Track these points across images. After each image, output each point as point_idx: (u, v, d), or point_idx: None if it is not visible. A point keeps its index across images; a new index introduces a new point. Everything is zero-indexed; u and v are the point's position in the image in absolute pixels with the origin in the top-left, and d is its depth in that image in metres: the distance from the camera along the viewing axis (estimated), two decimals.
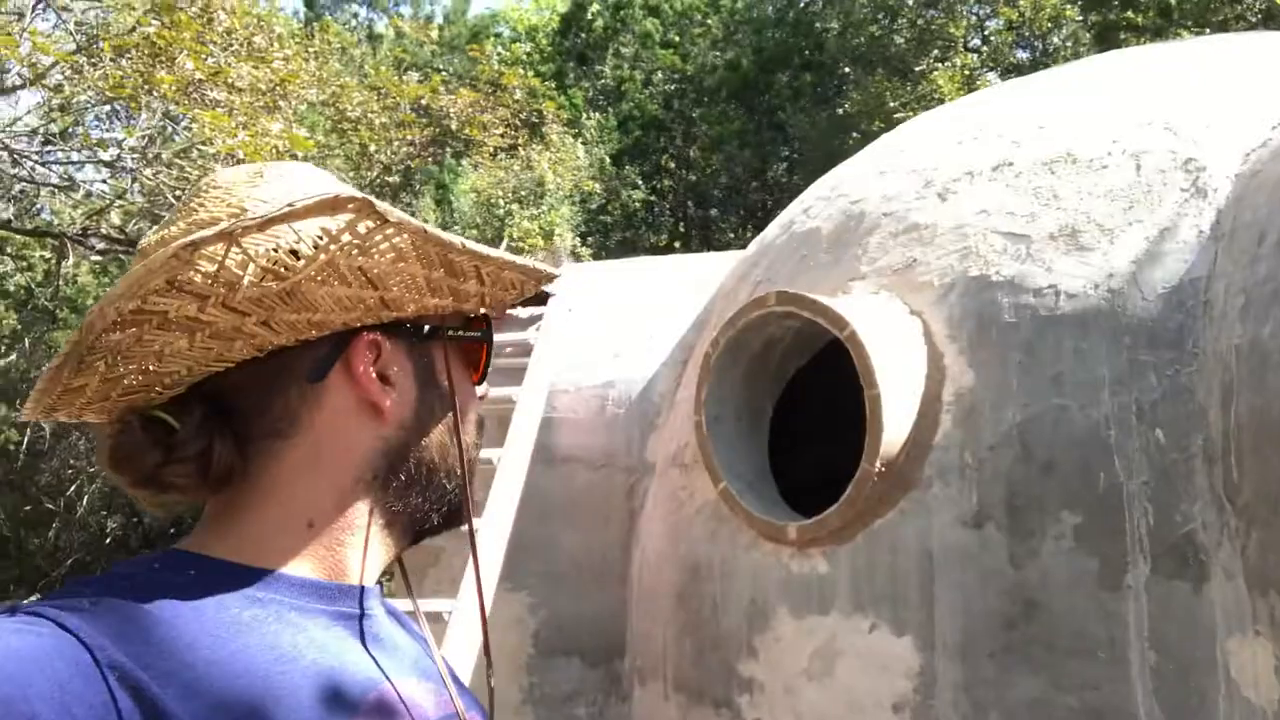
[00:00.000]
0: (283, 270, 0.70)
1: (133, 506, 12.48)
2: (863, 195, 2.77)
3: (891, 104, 9.17)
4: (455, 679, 0.89)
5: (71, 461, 12.41)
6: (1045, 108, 2.65)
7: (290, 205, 0.68)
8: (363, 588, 0.81)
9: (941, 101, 8.51)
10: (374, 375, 0.79)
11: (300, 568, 0.77)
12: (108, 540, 12.25)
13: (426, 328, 0.83)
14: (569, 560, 3.20)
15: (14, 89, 7.34)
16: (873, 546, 2.21)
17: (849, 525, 2.23)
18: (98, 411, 0.78)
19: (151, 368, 0.74)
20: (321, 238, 0.71)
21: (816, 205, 2.98)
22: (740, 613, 2.48)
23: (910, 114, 8.70)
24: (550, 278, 0.87)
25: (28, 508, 12.61)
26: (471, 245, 0.78)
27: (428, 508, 0.84)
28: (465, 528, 0.94)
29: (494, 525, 2.87)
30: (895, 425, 2.17)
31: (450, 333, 0.85)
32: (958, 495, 2.09)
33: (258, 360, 0.75)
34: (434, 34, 12.85)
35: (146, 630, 0.67)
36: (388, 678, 0.76)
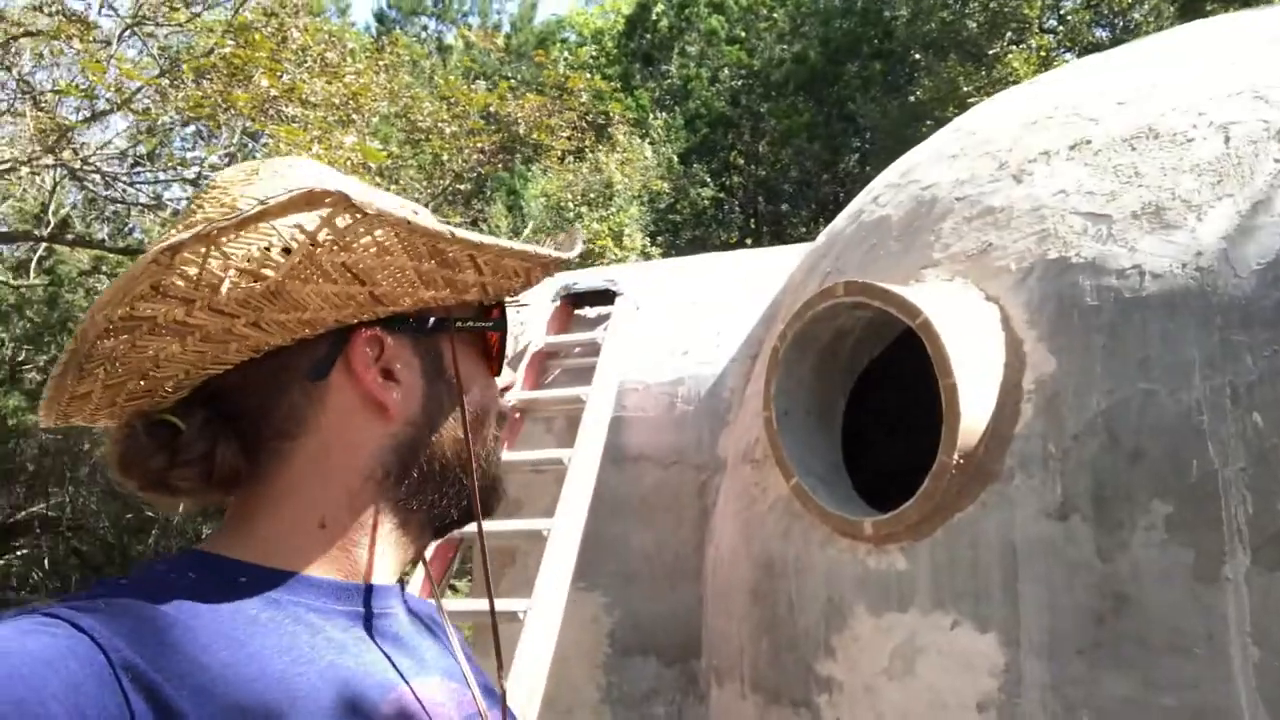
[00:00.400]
0: (262, 271, 0.70)
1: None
2: (934, 180, 2.69)
3: (965, 89, 8.96)
4: (483, 680, 0.88)
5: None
6: (1124, 83, 2.54)
7: (263, 203, 0.67)
8: (381, 586, 0.80)
9: (1017, 84, 8.27)
10: (376, 372, 0.78)
11: (316, 568, 0.76)
12: None
13: (431, 320, 0.81)
14: (642, 559, 3.19)
15: (103, 114, 7.64)
16: (952, 541, 2.14)
17: (927, 519, 2.16)
18: (108, 416, 0.78)
19: (150, 372, 0.74)
20: (299, 235, 0.70)
21: (886, 193, 2.91)
22: (817, 611, 2.43)
23: (983, 98, 8.49)
24: (555, 262, 0.83)
25: (129, 515, 13.13)
26: (462, 234, 0.75)
27: (446, 503, 0.83)
28: (480, 524, 0.91)
29: (566, 525, 2.87)
30: (973, 415, 2.10)
31: (459, 324, 0.83)
32: (1041, 486, 2.01)
33: (256, 361, 0.75)
34: (500, 42, 12.99)
35: (162, 632, 0.67)
36: (406, 679, 0.76)
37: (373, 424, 0.79)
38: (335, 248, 0.71)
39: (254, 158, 8.67)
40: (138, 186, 9.31)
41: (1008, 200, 2.40)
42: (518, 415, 3.37)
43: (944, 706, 2.10)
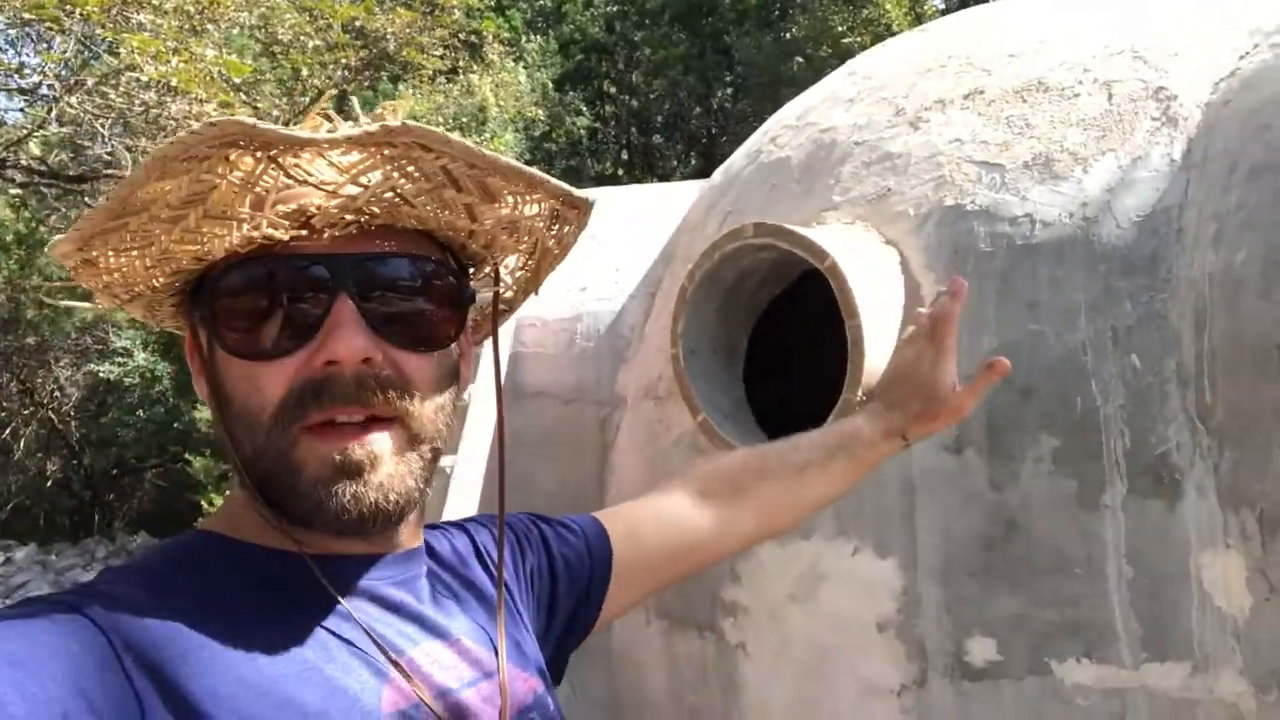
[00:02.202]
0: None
1: (72, 448, 12.21)
2: (832, 124, 2.76)
3: (839, 28, 9.10)
4: (517, 636, 0.88)
5: (4, 404, 12.04)
6: (1014, 36, 2.65)
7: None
8: (344, 556, 0.76)
9: (888, 27, 8.48)
10: (194, 359, 0.77)
11: (290, 544, 0.73)
12: (48, 483, 11.99)
13: (186, 296, 0.77)
14: (543, 494, 3.22)
15: None
16: None
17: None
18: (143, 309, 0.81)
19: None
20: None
21: (784, 134, 2.96)
22: None
23: (857, 39, 8.67)
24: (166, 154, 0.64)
25: None
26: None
27: (287, 510, 0.72)
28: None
29: (469, 462, 2.87)
30: (875, 355, 2.20)
31: (194, 294, 0.75)
32: None
33: None
34: None
35: (165, 613, 0.66)
36: (402, 649, 0.75)
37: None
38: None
39: (92, 66, 8.02)
40: None
41: (905, 147, 2.49)
42: None
43: (845, 629, 2.24)
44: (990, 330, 2.14)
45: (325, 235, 0.68)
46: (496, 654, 0.81)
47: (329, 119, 0.73)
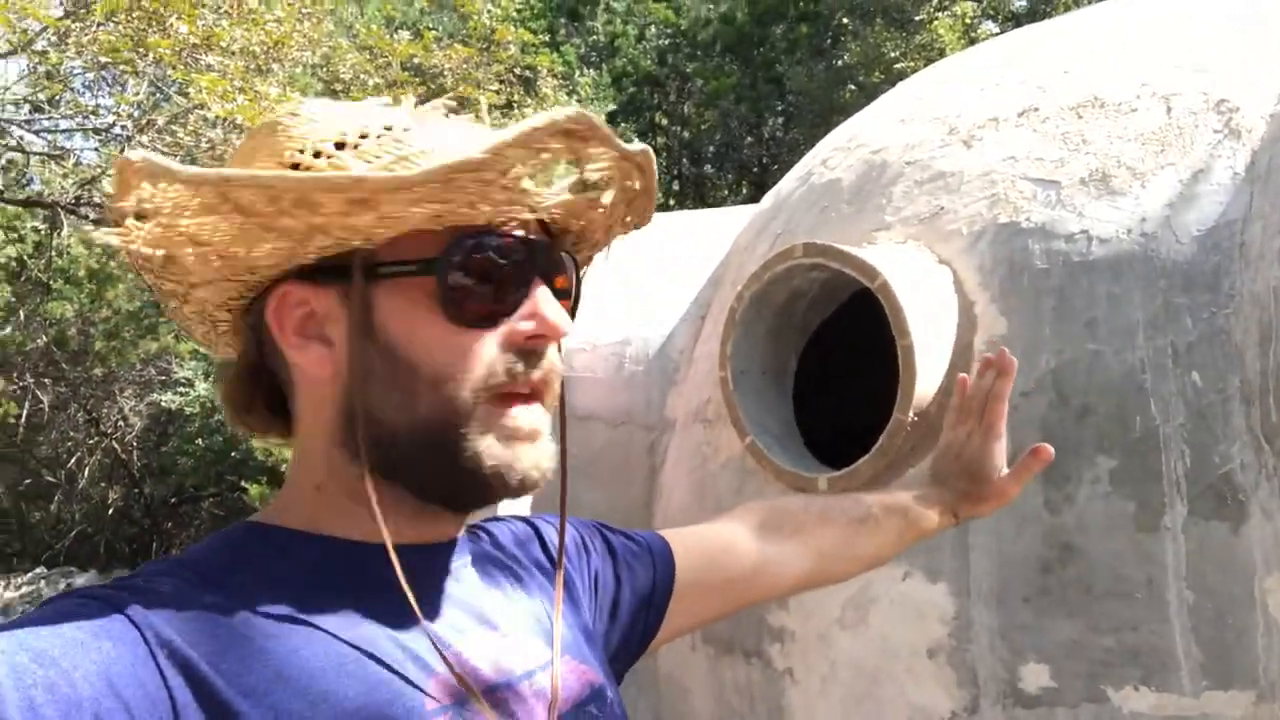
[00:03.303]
0: (124, 242, 0.70)
1: (134, 476, 12.51)
2: (884, 144, 2.74)
3: (891, 54, 9.08)
4: (579, 623, 0.88)
5: (70, 434, 12.41)
6: (1068, 52, 2.62)
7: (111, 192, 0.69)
8: (408, 546, 0.74)
9: (942, 51, 8.44)
10: (290, 332, 0.73)
11: (333, 529, 0.74)
12: (110, 511, 12.29)
13: (358, 267, 0.71)
14: (592, 517, 3.21)
15: (2, 56, 7.22)
16: None
17: (881, 475, 2.23)
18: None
19: (191, 329, 0.83)
20: (147, 205, 0.69)
21: (835, 156, 2.95)
22: None
23: (910, 64, 8.63)
24: (468, 166, 0.67)
25: (28, 481, 12.64)
26: (233, 174, 0.67)
27: (420, 480, 0.73)
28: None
29: None
30: (927, 375, 2.17)
31: (382, 269, 0.71)
32: None
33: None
34: None
35: (199, 608, 0.66)
36: (450, 641, 0.74)
37: (311, 386, 0.75)
38: (162, 217, 0.68)
39: (162, 107, 8.30)
40: (39, 134, 8.84)
41: (958, 165, 2.46)
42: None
43: (896, 654, 2.19)
44: (1047, 349, 2.09)
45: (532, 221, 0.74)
46: (553, 647, 0.80)
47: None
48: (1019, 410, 2.09)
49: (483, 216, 0.70)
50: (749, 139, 14.57)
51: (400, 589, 0.70)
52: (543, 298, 0.73)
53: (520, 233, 0.73)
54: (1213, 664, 1.78)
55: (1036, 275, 2.14)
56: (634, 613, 0.98)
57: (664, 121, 14.73)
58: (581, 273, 0.85)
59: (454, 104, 0.80)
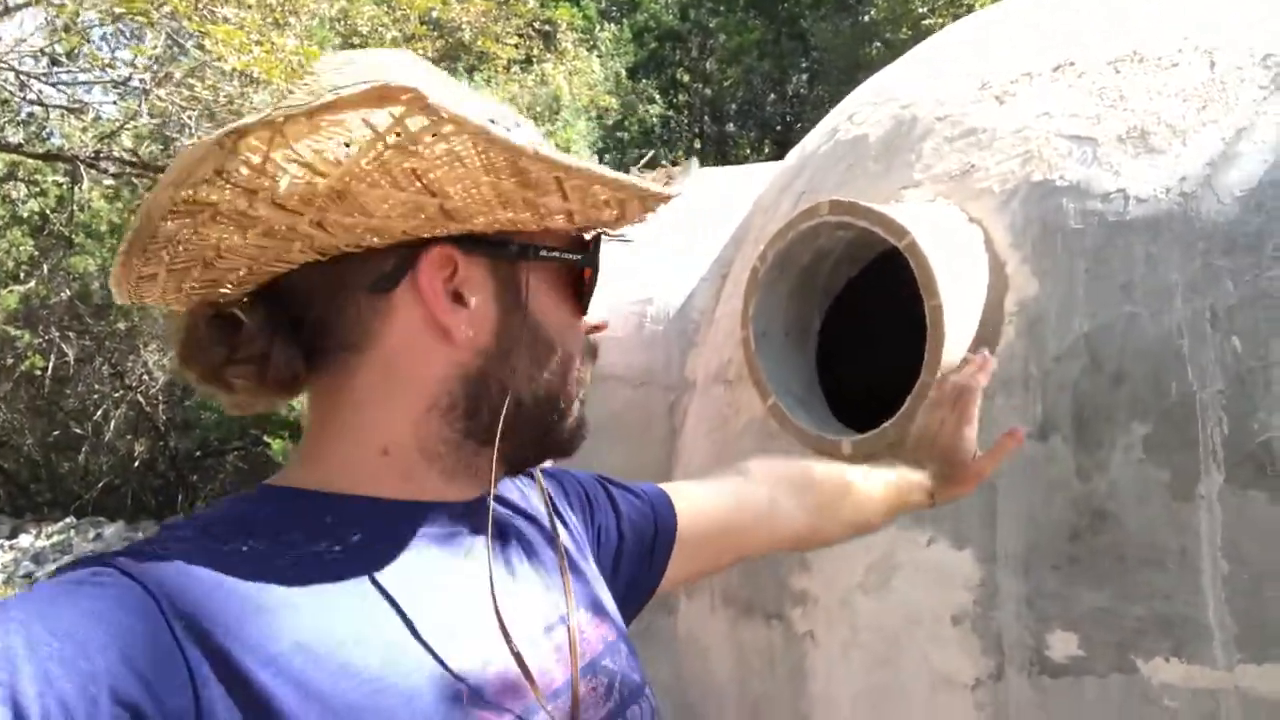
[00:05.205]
0: (325, 168, 0.65)
1: (159, 429, 12.64)
2: (913, 99, 2.67)
3: (919, 9, 8.87)
4: (589, 592, 0.88)
5: (97, 386, 12.52)
6: (1106, 6, 2.53)
7: (336, 93, 0.62)
8: (453, 504, 0.77)
9: (970, 7, 8.23)
10: (443, 293, 0.73)
11: (386, 493, 0.74)
12: (136, 464, 12.43)
13: (515, 246, 0.75)
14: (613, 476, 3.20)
15: (17, 8, 7.17)
16: None
17: (906, 439, 2.19)
18: (176, 301, 0.76)
19: (213, 262, 0.71)
20: (367, 134, 0.64)
21: (862, 111, 2.88)
22: None
23: (938, 20, 8.43)
24: (654, 196, 0.76)
25: (56, 433, 12.79)
26: (548, 152, 0.68)
27: (522, 443, 0.78)
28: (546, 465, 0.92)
29: None
30: (956, 337, 2.11)
31: (542, 252, 0.76)
32: (1022, 406, 2.05)
33: (322, 265, 0.71)
34: None
35: (217, 576, 0.64)
36: (470, 603, 0.74)
37: (438, 349, 0.74)
38: (405, 151, 0.65)
39: (180, 61, 8.24)
40: (58, 88, 8.80)
41: (991, 121, 2.39)
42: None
43: (919, 620, 2.16)
44: (1081, 311, 2.04)
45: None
46: (566, 602, 0.81)
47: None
48: (1051, 375, 2.04)
49: (607, 220, 0.79)
50: (772, 96, 14.34)
51: (402, 548, 0.73)
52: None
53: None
54: (1247, 636, 1.74)
55: (1071, 235, 2.08)
56: (637, 563, 1.01)
57: (685, 78, 14.51)
58: None
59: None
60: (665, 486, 1.09)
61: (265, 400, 0.75)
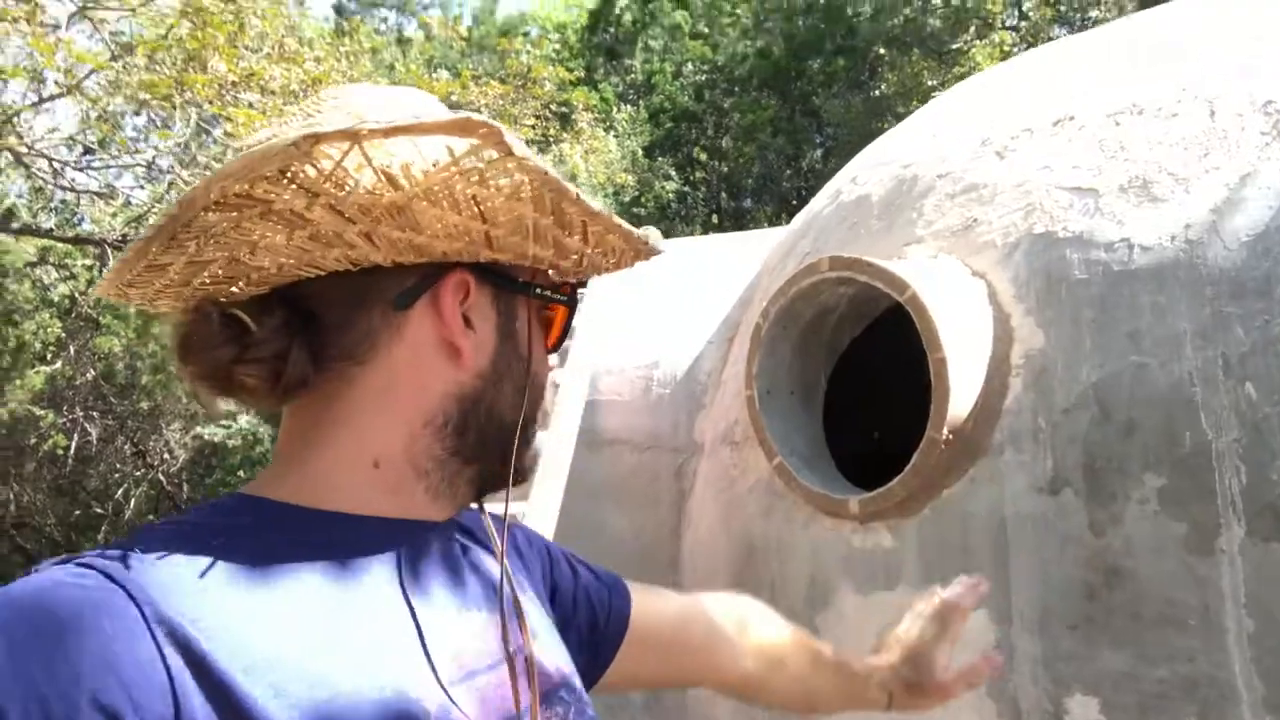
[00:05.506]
0: (397, 182, 0.68)
1: (179, 509, 12.64)
2: (914, 159, 2.67)
3: (929, 83, 8.99)
4: (549, 613, 0.91)
5: (118, 465, 12.57)
6: (1105, 60, 2.54)
7: (418, 118, 0.66)
8: (426, 523, 0.79)
9: None
10: (459, 315, 0.77)
11: (366, 508, 0.75)
12: None
13: (521, 279, 0.81)
14: (618, 543, 3.13)
15: (51, 98, 7.40)
16: (941, 518, 2.11)
17: (915, 496, 2.13)
18: (173, 298, 0.77)
19: (243, 259, 0.72)
20: (443, 157, 0.68)
21: (864, 172, 2.88)
22: (800, 591, 2.39)
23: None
24: (650, 252, 0.85)
25: (77, 512, 12.82)
26: (585, 198, 0.75)
27: (494, 465, 0.81)
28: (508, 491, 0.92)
29: (540, 510, 2.80)
30: (962, 391, 2.07)
31: (539, 290, 0.83)
32: (1031, 461, 1.99)
33: (348, 274, 0.73)
34: (462, 32, 12.82)
35: (198, 582, 0.64)
36: (439, 622, 0.74)
37: (444, 368, 0.78)
38: (473, 179, 0.70)
39: (209, 148, 8.46)
40: (88, 174, 9.04)
41: (991, 176, 2.37)
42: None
43: None
44: (1089, 362, 1.99)
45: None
46: (522, 630, 0.81)
47: None
48: (1060, 427, 1.98)
49: (607, 267, 0.87)
50: (788, 171, 14.51)
51: (375, 564, 0.74)
52: None
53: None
54: (1277, 698, 1.64)
55: (1075, 285, 2.05)
56: (584, 641, 0.99)
57: (702, 156, 14.74)
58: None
59: None
60: (631, 584, 1.08)
61: (264, 403, 0.76)
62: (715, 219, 15.11)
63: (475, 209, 0.72)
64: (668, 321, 3.43)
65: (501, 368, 0.80)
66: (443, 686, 0.70)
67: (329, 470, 0.75)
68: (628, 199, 12.19)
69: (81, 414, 12.25)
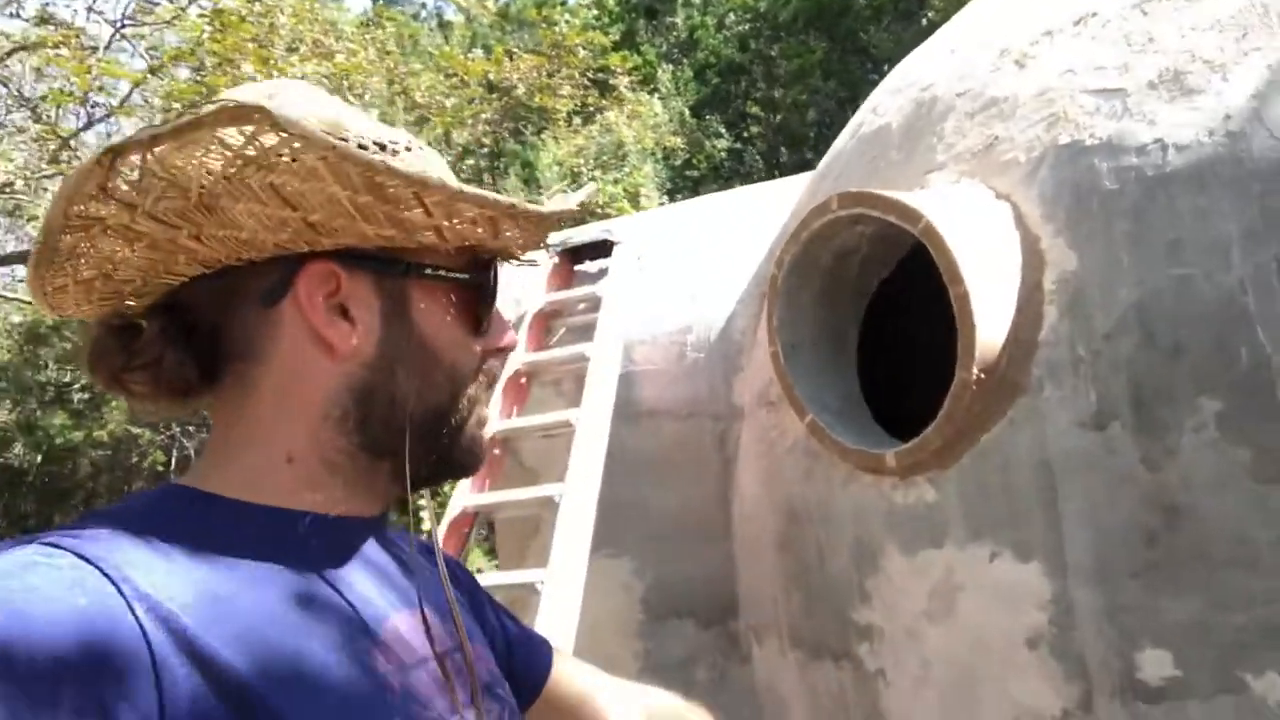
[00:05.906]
0: (187, 182, 0.69)
1: None
2: (933, 79, 2.47)
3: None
4: (477, 615, 0.93)
5: None
6: None
7: (195, 113, 0.66)
8: (352, 519, 0.79)
9: None
10: (324, 306, 0.76)
11: (288, 501, 0.75)
12: None
13: (402, 264, 0.78)
14: (667, 519, 3.03)
15: (101, 119, 7.59)
16: (982, 465, 1.95)
17: (951, 444, 1.97)
18: (89, 313, 0.80)
19: (110, 274, 0.75)
20: (227, 151, 0.69)
21: (884, 101, 2.69)
22: (846, 555, 2.26)
23: None
24: (526, 214, 0.79)
25: None
26: (402, 168, 0.71)
27: (423, 454, 0.80)
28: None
29: (578, 490, 2.72)
30: (991, 325, 1.90)
31: (426, 270, 0.79)
32: (1073, 395, 1.81)
33: (211, 277, 0.75)
34: (492, 6, 12.70)
35: (167, 561, 0.65)
36: (385, 615, 0.76)
37: (322, 362, 0.77)
38: (260, 166, 0.69)
39: None
40: None
41: (1011, 88, 2.17)
42: (522, 380, 3.21)
43: (990, 646, 1.93)
44: (1126, 280, 1.80)
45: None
46: (457, 628, 0.82)
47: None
48: (1102, 356, 1.80)
49: (501, 247, 0.83)
50: (846, 113, 14.08)
51: (323, 558, 0.76)
52: (500, 316, 0.86)
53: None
54: None
55: (1106, 198, 1.85)
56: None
57: (754, 109, 14.38)
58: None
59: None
60: (556, 651, 1.08)
61: (167, 406, 0.78)
62: (776, 173, 14.78)
63: (277, 196, 0.70)
64: (700, 281, 3.29)
65: (393, 355, 0.78)
66: (401, 667, 0.74)
67: (251, 466, 0.76)
68: (679, 162, 11.98)
69: (179, 429, 12.71)
